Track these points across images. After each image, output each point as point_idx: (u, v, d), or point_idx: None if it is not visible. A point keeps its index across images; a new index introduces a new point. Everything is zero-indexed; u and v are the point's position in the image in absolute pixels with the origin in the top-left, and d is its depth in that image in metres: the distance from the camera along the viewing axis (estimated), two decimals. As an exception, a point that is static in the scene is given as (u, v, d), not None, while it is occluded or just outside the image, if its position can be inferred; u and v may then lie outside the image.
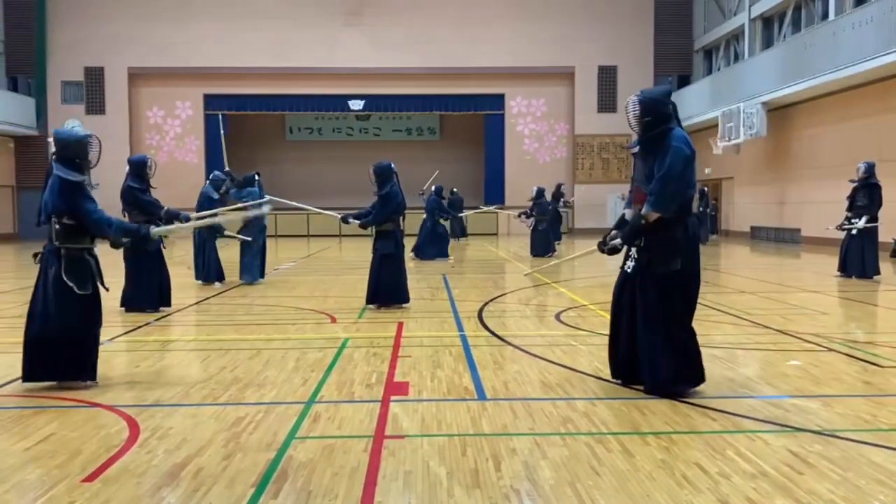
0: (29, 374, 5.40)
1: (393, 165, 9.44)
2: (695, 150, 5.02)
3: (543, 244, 17.83)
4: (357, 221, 9.53)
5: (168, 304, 9.39)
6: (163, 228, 6.86)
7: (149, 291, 9.21)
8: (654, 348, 5.03)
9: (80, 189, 5.43)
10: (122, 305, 9.16)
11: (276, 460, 3.91)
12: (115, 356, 6.68)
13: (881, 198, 12.84)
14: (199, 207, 11.54)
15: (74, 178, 5.41)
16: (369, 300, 9.57)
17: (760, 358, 6.54)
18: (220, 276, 12.10)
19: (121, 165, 36.05)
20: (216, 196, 11.93)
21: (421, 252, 17.52)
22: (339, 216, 10.00)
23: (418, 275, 14.20)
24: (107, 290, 5.72)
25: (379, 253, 9.43)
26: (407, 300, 9.57)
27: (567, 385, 5.46)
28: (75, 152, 5.47)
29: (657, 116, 4.97)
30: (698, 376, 5.12)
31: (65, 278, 5.36)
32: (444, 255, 17.77)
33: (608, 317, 8.98)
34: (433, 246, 17.73)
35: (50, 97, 31.01)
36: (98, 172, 6.05)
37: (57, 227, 5.43)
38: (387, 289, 9.44)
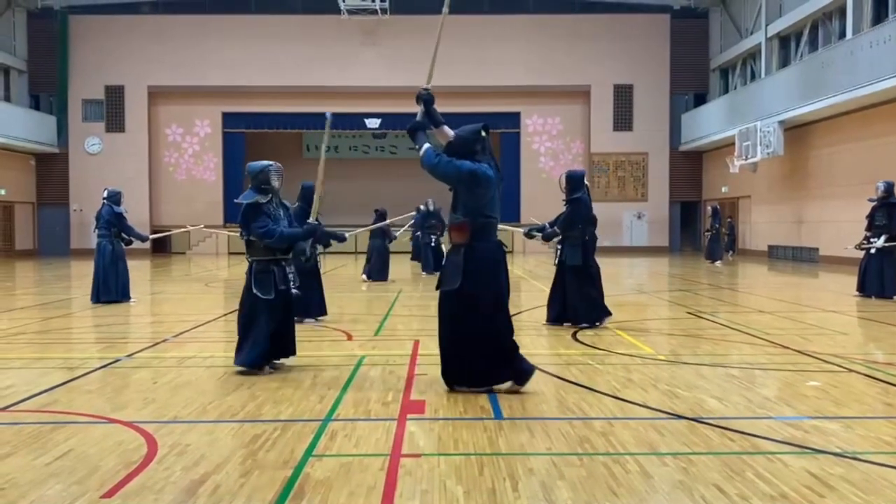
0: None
1: (585, 175, 9.35)
2: (489, 176, 5.86)
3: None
4: (540, 234, 9.28)
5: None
6: (328, 237, 7.37)
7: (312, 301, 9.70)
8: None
9: (256, 209, 6.40)
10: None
11: (293, 478, 3.91)
12: (134, 372, 6.72)
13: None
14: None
15: (253, 200, 6.42)
16: (553, 319, 9.22)
17: (779, 378, 6.48)
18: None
19: (141, 181, 36.17)
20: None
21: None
22: (523, 231, 9.63)
23: (432, 292, 14.17)
24: (299, 294, 6.72)
25: (567, 265, 9.04)
26: (602, 318, 9.11)
27: (584, 404, 5.43)
28: (259, 179, 6.48)
29: (464, 154, 5.95)
30: (472, 378, 5.77)
31: (253, 287, 6.38)
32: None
33: (626, 336, 8.91)
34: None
35: (71, 115, 31.46)
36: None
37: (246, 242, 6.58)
38: (574, 306, 8.98)
